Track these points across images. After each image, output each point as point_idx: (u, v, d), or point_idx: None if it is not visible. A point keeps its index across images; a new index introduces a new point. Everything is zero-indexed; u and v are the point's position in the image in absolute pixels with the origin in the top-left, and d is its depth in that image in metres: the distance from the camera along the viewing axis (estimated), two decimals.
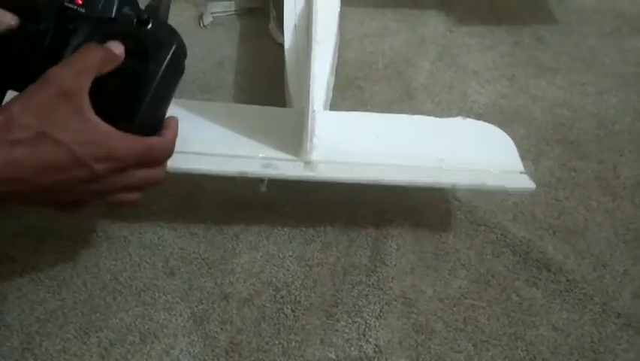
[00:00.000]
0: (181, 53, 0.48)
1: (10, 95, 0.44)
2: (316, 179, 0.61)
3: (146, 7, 0.49)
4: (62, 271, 0.63)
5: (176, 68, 0.48)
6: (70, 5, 0.46)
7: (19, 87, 0.42)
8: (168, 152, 0.47)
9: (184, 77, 0.87)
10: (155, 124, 0.47)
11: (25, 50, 0.45)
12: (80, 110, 0.40)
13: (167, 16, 0.52)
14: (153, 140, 0.45)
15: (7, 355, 0.57)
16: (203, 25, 1.00)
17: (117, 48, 0.44)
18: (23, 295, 0.61)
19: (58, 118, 0.40)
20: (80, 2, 0.46)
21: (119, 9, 0.47)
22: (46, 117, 0.39)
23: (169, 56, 0.46)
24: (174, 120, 0.49)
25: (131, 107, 0.45)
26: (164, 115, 0.49)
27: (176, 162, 0.60)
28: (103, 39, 0.45)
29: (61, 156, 0.40)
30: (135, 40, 0.45)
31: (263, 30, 0.98)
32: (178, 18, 1.00)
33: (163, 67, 0.46)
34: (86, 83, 0.41)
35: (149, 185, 0.47)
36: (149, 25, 0.46)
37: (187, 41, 0.95)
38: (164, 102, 0.48)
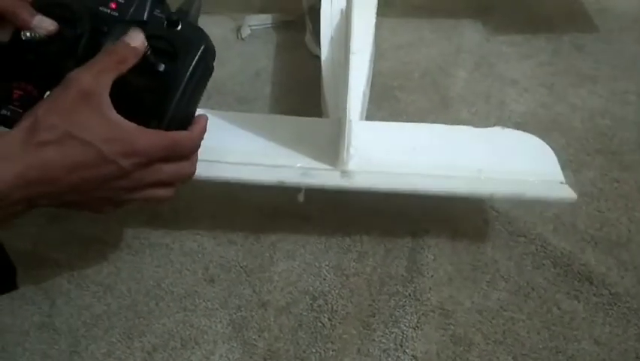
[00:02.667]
0: (209, 54, 0.49)
1: None
2: (354, 188, 0.61)
3: (176, 10, 0.51)
4: (107, 277, 0.66)
5: (205, 68, 0.49)
6: (105, 10, 0.48)
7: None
8: (194, 145, 0.47)
9: (222, 88, 0.91)
10: (184, 122, 0.48)
11: (62, 54, 0.47)
12: (101, 109, 0.42)
13: (197, 19, 0.54)
14: (177, 134, 0.46)
15: (56, 357, 0.59)
16: (241, 38, 1.02)
17: (137, 37, 0.45)
18: (70, 299, 0.64)
19: (81, 118, 0.41)
20: (114, 6, 0.48)
21: (150, 12, 0.49)
22: (70, 118, 0.41)
23: (197, 56, 0.47)
24: (203, 117, 0.49)
25: (161, 106, 0.46)
26: (193, 114, 0.50)
27: (216, 171, 0.62)
28: None
29: (88, 154, 0.41)
30: (165, 40, 0.47)
31: (299, 42, 1.00)
32: (217, 30, 1.03)
33: (191, 66, 0.47)
34: (105, 83, 0.42)
35: (178, 180, 0.47)
36: (179, 27, 0.48)
37: (225, 54, 0.98)
38: (193, 101, 0.49)
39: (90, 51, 0.46)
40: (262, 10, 1.07)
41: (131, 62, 0.44)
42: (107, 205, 0.46)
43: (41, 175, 0.40)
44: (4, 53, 0.47)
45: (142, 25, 0.47)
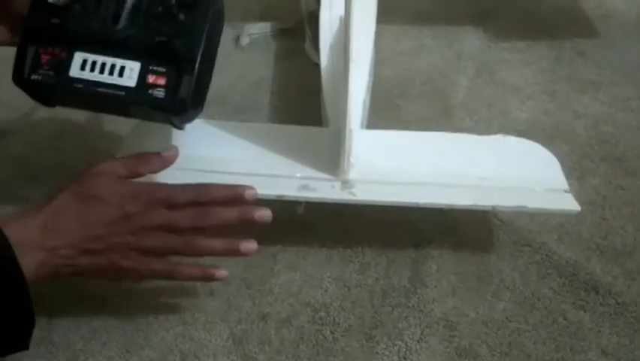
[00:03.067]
0: (221, 3, 0.54)
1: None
2: (354, 201, 0.61)
3: None
4: (106, 290, 0.65)
5: (220, 17, 0.54)
6: None
7: (85, 50, 0.49)
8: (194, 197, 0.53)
9: (221, 97, 0.90)
10: (208, 68, 0.54)
11: (85, 16, 0.49)
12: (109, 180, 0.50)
13: None
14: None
15: None
16: (240, 47, 1.02)
17: (172, 150, 0.55)
18: (68, 313, 0.63)
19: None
20: None
21: None
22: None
23: (213, 3, 0.52)
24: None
25: (191, 48, 0.50)
26: (214, 62, 0.55)
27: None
28: None
29: (92, 205, 0.47)
30: None
31: (298, 50, 0.99)
32: None
33: (210, 13, 0.51)
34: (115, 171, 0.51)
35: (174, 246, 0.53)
36: None
37: (224, 63, 0.98)
38: (214, 48, 0.54)
39: (115, 9, 0.49)
40: (261, 19, 1.07)
41: (155, 166, 0.53)
42: (125, 259, 0.51)
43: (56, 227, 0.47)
44: (29, 18, 0.49)
45: None
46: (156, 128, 0.61)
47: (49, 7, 0.48)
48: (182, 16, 0.50)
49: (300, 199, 0.62)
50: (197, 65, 0.50)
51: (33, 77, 0.48)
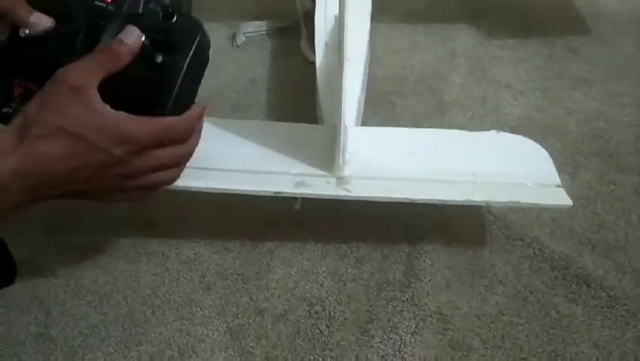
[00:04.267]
0: (205, 44, 0.50)
1: None
2: (349, 197, 0.61)
3: (170, 1, 0.52)
4: (103, 286, 0.65)
5: (202, 58, 0.50)
6: (100, 4, 0.49)
7: None
8: (187, 128, 0.48)
9: (217, 95, 0.91)
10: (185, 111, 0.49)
11: (60, 50, 0.47)
12: (89, 102, 0.43)
13: (190, 10, 0.54)
14: (168, 119, 0.47)
15: None
16: (236, 45, 1.03)
17: (132, 35, 0.46)
18: (66, 309, 0.63)
19: (71, 112, 0.43)
20: (109, 0, 0.49)
21: (145, 5, 0.50)
22: (60, 113, 0.43)
23: (194, 47, 0.48)
24: (199, 105, 0.50)
25: (162, 97, 0.47)
26: (192, 103, 0.51)
27: (212, 181, 0.62)
28: None
29: (80, 146, 0.43)
30: (161, 33, 0.48)
31: (294, 49, 1.00)
32: (212, 38, 1.02)
33: (189, 57, 0.48)
34: (93, 79, 0.44)
35: (177, 162, 0.48)
36: (174, 19, 0.49)
37: (220, 61, 0.98)
38: (192, 92, 0.50)
39: (88, 46, 0.48)
40: (257, 18, 1.08)
41: (126, 59, 0.45)
42: (114, 193, 0.47)
43: (36, 166, 0.41)
44: (3, 51, 0.48)
45: (137, 18, 0.48)
46: None
47: (23, 40, 0.47)
48: (159, 60, 0.47)
49: (295, 195, 0.63)
50: (167, 113, 0.47)
51: (4, 109, 0.48)
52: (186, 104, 0.49)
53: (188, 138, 0.48)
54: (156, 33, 0.47)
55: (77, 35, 0.48)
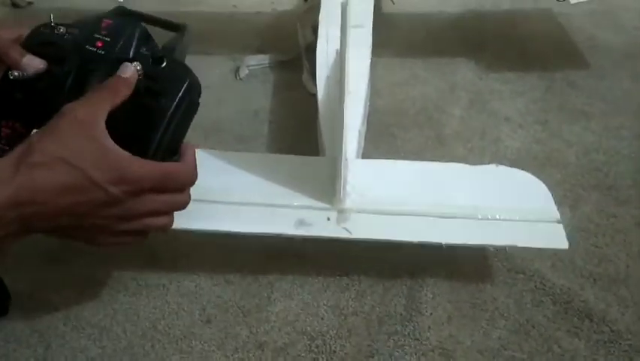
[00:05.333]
0: (194, 89, 0.50)
1: None
2: (349, 239, 0.62)
3: (162, 47, 0.53)
4: (103, 319, 0.65)
5: (190, 103, 0.50)
6: (92, 48, 0.50)
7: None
8: (188, 177, 0.48)
9: (220, 127, 0.92)
10: (169, 156, 0.49)
11: (51, 91, 0.48)
12: (95, 136, 0.43)
13: (184, 55, 0.55)
14: (170, 166, 0.47)
15: None
16: (239, 78, 1.04)
17: (128, 70, 0.47)
18: (66, 342, 0.63)
19: (74, 145, 0.42)
20: (100, 45, 0.50)
21: (136, 50, 0.51)
22: (63, 144, 0.42)
23: (181, 92, 0.49)
24: (190, 148, 0.50)
25: (146, 140, 0.47)
26: (178, 147, 0.51)
27: (214, 222, 0.62)
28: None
29: (77, 179, 0.42)
30: (150, 78, 0.48)
31: (296, 82, 1.02)
32: (215, 71, 1.05)
33: (175, 102, 0.48)
34: (100, 113, 0.44)
35: (173, 210, 0.48)
36: (164, 64, 0.49)
37: (223, 94, 1.00)
38: (178, 136, 0.51)
39: (77, 89, 0.48)
40: (260, 51, 1.10)
41: (125, 93, 0.46)
42: (103, 235, 0.46)
43: (32, 196, 0.41)
44: None
45: (128, 62, 0.49)
46: None
47: (13, 82, 0.48)
48: (146, 104, 0.48)
49: (297, 237, 0.63)
50: (150, 155, 0.47)
51: None
52: (171, 148, 0.50)
53: (187, 186, 0.48)
54: (145, 78, 0.48)
55: (67, 78, 0.48)
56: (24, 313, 0.65)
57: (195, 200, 0.65)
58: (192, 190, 0.64)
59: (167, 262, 0.70)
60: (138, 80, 0.47)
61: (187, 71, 0.50)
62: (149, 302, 0.67)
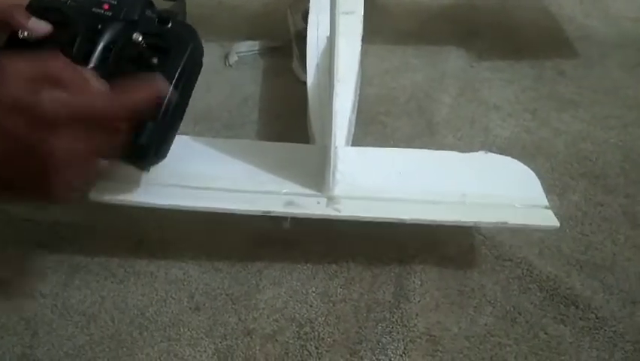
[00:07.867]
0: (199, 50, 0.52)
1: None
2: (339, 217, 0.62)
3: (164, 10, 0.53)
4: (91, 306, 0.65)
5: (195, 63, 0.51)
6: (98, 10, 0.50)
7: None
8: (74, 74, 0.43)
9: (209, 114, 0.91)
10: (178, 119, 0.51)
11: (58, 52, 0.48)
12: None
13: (184, 20, 0.56)
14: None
15: None
16: (229, 65, 1.03)
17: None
18: (53, 330, 0.62)
19: None
20: (107, 7, 0.51)
21: (142, 12, 0.51)
22: None
23: (188, 51, 0.50)
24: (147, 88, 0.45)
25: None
26: (185, 108, 0.52)
27: (202, 201, 0.62)
28: (126, 39, 0.49)
29: None
30: (157, 37, 0.50)
31: (286, 68, 1.01)
32: (204, 58, 1.04)
33: (183, 60, 0.50)
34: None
35: (85, 114, 0.42)
36: (169, 25, 0.51)
37: (212, 80, 0.99)
38: (185, 95, 0.51)
39: (86, 50, 0.48)
40: (249, 37, 1.09)
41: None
42: (47, 175, 0.41)
43: None
44: (1, 51, 0.49)
45: (134, 23, 0.50)
46: None
47: (21, 42, 0.48)
48: (154, 61, 0.48)
49: (285, 215, 0.63)
50: (161, 112, 0.48)
51: None
52: (180, 107, 0.51)
53: (80, 84, 0.43)
54: (152, 37, 0.49)
55: (74, 40, 0.49)
56: (10, 301, 0.64)
57: (181, 186, 0.65)
58: (178, 177, 0.64)
59: (155, 250, 0.70)
60: (145, 40, 0.48)
61: (192, 32, 0.51)
62: (136, 290, 0.66)
